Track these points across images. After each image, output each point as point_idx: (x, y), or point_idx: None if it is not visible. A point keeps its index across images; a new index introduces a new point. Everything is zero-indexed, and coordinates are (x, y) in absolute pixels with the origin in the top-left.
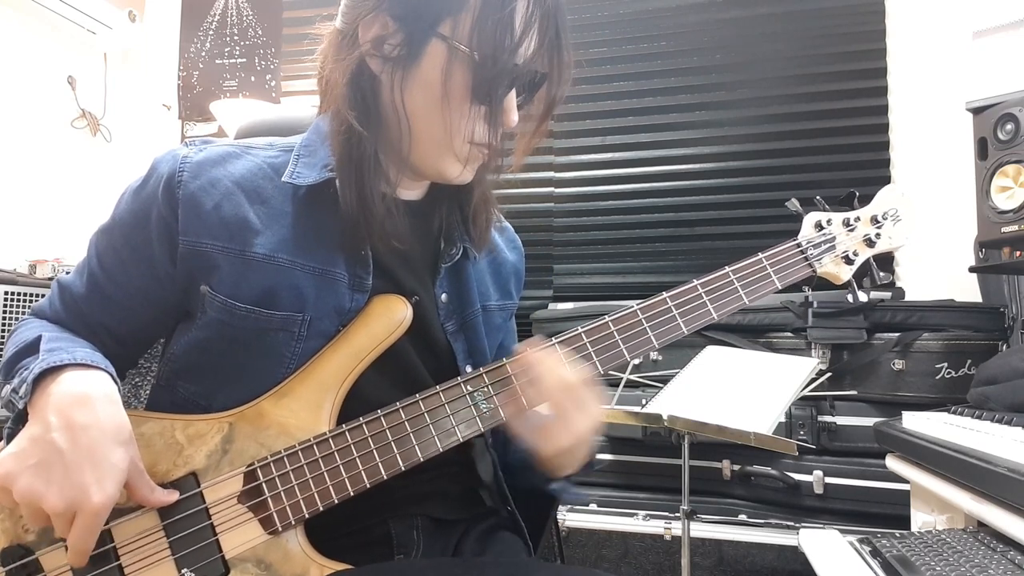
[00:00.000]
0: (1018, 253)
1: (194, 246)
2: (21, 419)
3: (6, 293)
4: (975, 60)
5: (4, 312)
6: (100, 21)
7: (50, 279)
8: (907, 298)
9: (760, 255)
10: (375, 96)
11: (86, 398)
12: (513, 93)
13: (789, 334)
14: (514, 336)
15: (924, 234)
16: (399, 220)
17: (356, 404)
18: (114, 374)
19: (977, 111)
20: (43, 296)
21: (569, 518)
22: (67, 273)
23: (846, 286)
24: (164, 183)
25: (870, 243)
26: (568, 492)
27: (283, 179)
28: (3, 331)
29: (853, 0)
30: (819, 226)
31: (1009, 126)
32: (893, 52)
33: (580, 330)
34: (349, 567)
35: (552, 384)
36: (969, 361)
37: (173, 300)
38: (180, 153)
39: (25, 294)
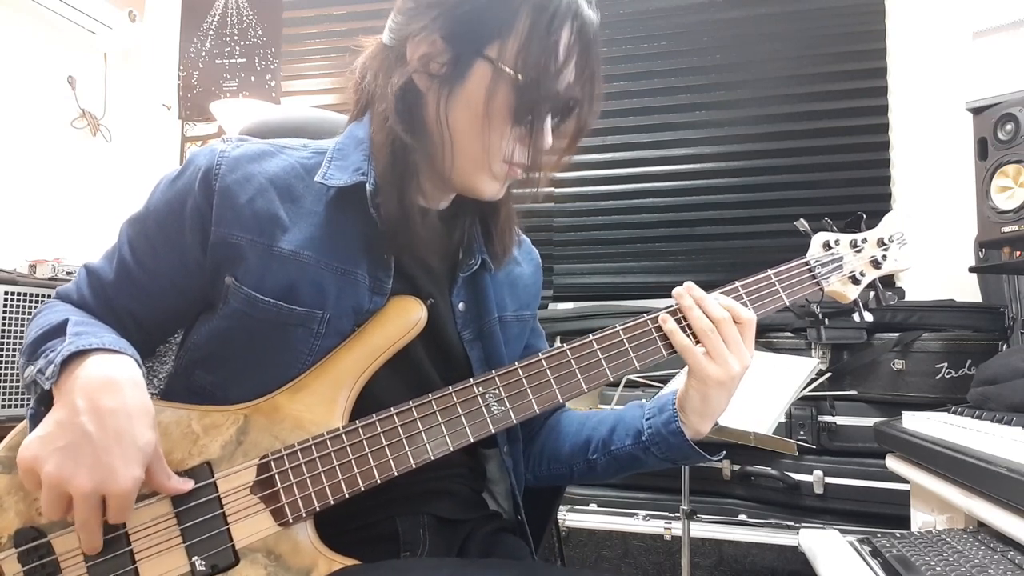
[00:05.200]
0: (1018, 253)
1: (225, 237)
2: (44, 400)
3: (6, 293)
4: (975, 60)
5: (4, 312)
6: (100, 21)
7: (50, 279)
8: (907, 298)
9: (769, 271)
10: (419, 111)
11: (113, 382)
12: (549, 117)
13: (789, 334)
14: (542, 337)
15: (924, 234)
16: (432, 233)
17: (369, 405)
18: (139, 360)
19: (977, 111)
20: (43, 296)
21: (569, 518)
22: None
23: (852, 306)
24: (202, 175)
25: (876, 264)
26: (701, 456)
27: (316, 179)
28: (3, 331)
29: (853, 0)
30: (827, 246)
31: (1009, 126)
32: (893, 52)
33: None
34: (356, 562)
35: (701, 319)
36: (969, 361)
37: (199, 290)
38: (218, 148)
39: (25, 294)
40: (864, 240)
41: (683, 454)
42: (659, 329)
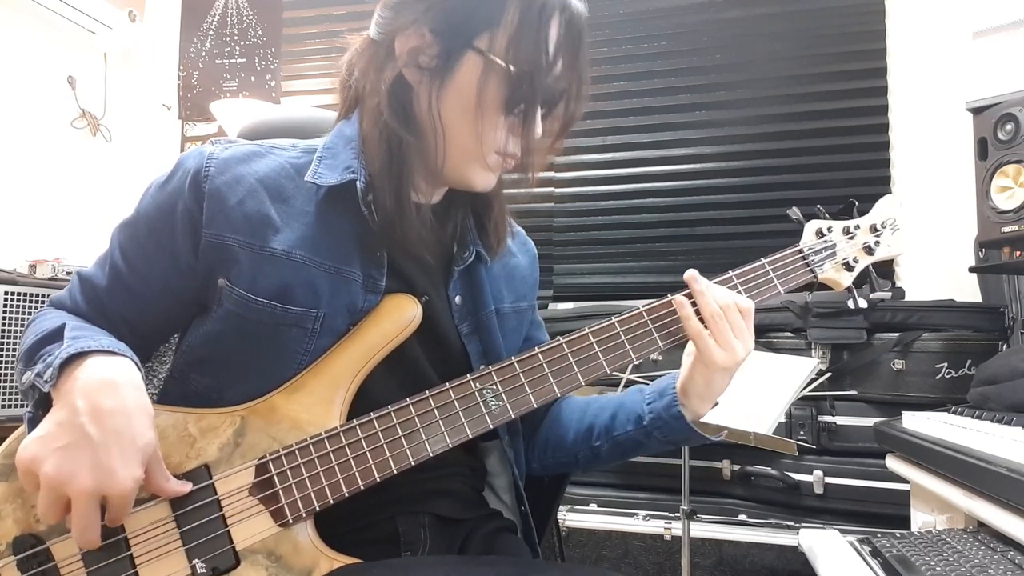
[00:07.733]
0: (1018, 253)
1: (216, 239)
2: (42, 404)
3: (6, 293)
4: (975, 60)
5: (4, 312)
6: (100, 21)
7: (50, 279)
8: (907, 298)
9: (763, 260)
10: (411, 105)
11: (112, 383)
12: (538, 108)
13: (789, 334)
14: (542, 328)
15: (924, 234)
16: (426, 228)
17: (365, 404)
18: (138, 362)
19: (977, 111)
20: (43, 296)
21: (569, 518)
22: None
23: (847, 292)
24: (191, 177)
25: (869, 251)
26: (702, 437)
27: (305, 179)
28: (3, 331)
29: (853, 0)
30: (820, 233)
31: (1009, 126)
32: (893, 52)
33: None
34: (358, 561)
35: (711, 304)
36: (969, 361)
37: (192, 293)
38: (207, 150)
39: (25, 294)
40: (856, 227)
41: (684, 436)
42: (656, 320)
